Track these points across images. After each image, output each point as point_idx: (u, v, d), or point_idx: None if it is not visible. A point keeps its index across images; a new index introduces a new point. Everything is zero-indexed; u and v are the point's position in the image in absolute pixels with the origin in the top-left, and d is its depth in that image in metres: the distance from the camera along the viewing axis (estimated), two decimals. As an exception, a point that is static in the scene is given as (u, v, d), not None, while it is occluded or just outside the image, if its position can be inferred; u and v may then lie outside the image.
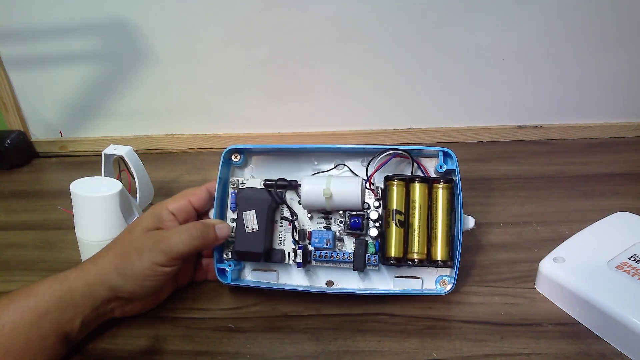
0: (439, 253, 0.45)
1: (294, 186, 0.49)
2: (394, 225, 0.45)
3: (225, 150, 0.49)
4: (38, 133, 0.83)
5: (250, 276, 0.50)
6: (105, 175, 0.60)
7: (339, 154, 0.50)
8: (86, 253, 0.53)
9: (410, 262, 0.46)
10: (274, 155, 0.51)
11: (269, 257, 0.48)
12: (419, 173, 0.48)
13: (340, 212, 0.48)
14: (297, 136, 0.80)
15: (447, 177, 0.47)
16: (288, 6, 0.70)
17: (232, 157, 0.50)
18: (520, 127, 0.78)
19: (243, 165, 0.51)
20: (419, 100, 0.77)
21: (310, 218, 0.49)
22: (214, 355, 0.43)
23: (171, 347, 0.44)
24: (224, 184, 0.50)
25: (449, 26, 0.71)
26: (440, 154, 0.47)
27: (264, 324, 0.46)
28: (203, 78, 0.77)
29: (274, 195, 0.48)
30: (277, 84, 0.77)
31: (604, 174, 0.67)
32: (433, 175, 0.48)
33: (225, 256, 0.49)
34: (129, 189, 0.57)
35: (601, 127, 0.77)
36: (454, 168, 0.46)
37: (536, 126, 0.78)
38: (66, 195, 0.51)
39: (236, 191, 0.50)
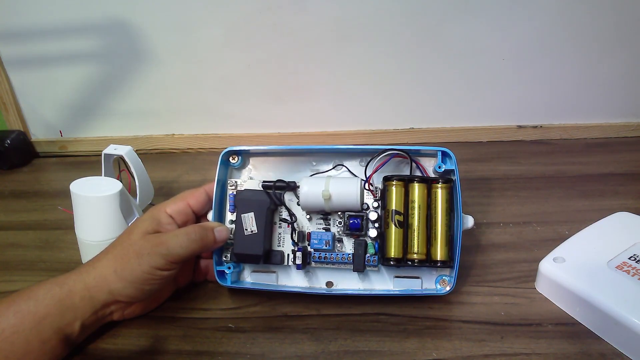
0: (439, 253, 0.45)
1: (293, 187, 0.49)
2: (393, 226, 0.45)
3: (223, 152, 0.49)
4: (38, 133, 0.83)
5: (250, 277, 0.50)
6: (105, 175, 0.60)
7: (338, 155, 0.50)
8: (86, 253, 0.53)
9: (410, 263, 0.46)
10: (272, 156, 0.51)
11: (269, 258, 0.48)
12: (418, 173, 0.48)
13: (339, 213, 0.48)
14: (297, 136, 0.80)
15: (446, 177, 0.47)
16: (288, 6, 0.70)
17: (230, 159, 0.50)
18: (520, 127, 0.78)
19: (241, 166, 0.51)
20: (419, 100, 0.77)
21: (309, 219, 0.49)
22: (214, 355, 0.43)
23: (171, 347, 0.44)
24: (222, 186, 0.50)
25: (449, 26, 0.71)
26: (439, 154, 0.47)
27: (263, 324, 0.46)
28: (203, 78, 0.77)
29: (273, 197, 0.48)
30: (277, 84, 0.77)
31: (604, 174, 0.67)
32: (432, 175, 0.48)
33: (224, 258, 0.49)
34: (129, 189, 0.57)
35: (601, 127, 0.77)
36: (453, 168, 0.46)
37: (536, 126, 0.78)
38: (66, 195, 0.51)
39: (234, 193, 0.50)
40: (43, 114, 0.82)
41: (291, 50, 0.74)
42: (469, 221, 0.47)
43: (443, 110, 0.78)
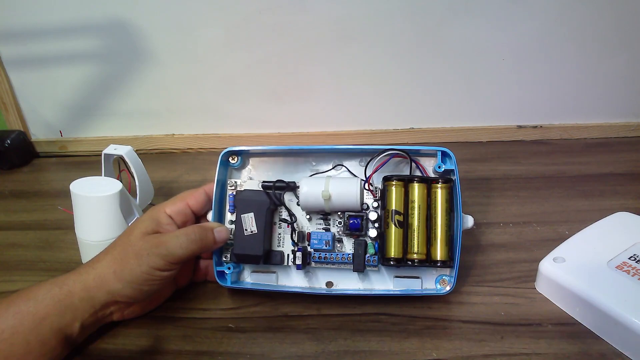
0: (439, 253, 0.45)
1: (292, 187, 0.49)
2: (393, 226, 0.45)
3: (223, 152, 0.49)
4: (38, 133, 0.83)
5: (250, 278, 0.50)
6: (105, 175, 0.60)
7: (337, 155, 0.50)
8: (86, 253, 0.53)
9: (410, 263, 0.46)
10: (272, 156, 0.51)
11: (269, 259, 0.48)
12: (418, 173, 0.48)
13: (339, 213, 0.48)
14: (297, 136, 0.80)
15: (445, 177, 0.47)
16: (288, 6, 0.70)
17: (230, 159, 0.50)
18: (520, 127, 0.78)
19: (241, 167, 0.51)
20: (419, 100, 0.77)
21: (309, 219, 0.49)
22: (214, 355, 0.43)
23: (171, 347, 0.44)
24: (222, 186, 0.50)
25: (449, 26, 0.71)
26: (439, 154, 0.47)
27: (264, 324, 0.46)
28: (203, 78, 0.77)
29: (272, 197, 0.48)
30: (277, 84, 0.77)
31: (604, 174, 0.67)
32: (432, 175, 0.48)
33: (224, 259, 0.49)
34: (129, 189, 0.57)
35: (601, 127, 0.77)
36: (453, 167, 0.46)
37: (536, 126, 0.78)
38: (66, 195, 0.51)
39: (234, 193, 0.50)
40: (43, 114, 0.82)
41: (291, 50, 0.74)
42: (469, 221, 0.47)
43: (443, 110, 0.78)
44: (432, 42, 0.72)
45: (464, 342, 0.43)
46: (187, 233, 0.44)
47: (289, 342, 0.44)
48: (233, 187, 0.50)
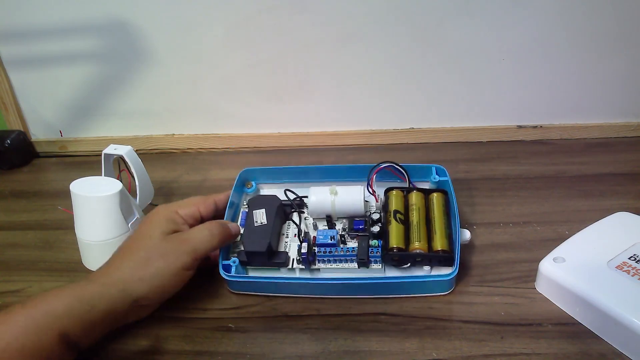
0: (439, 244, 0.48)
1: (302, 200, 0.54)
2: (394, 222, 0.48)
3: (240, 172, 0.56)
4: (38, 133, 0.83)
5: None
6: (105, 175, 0.60)
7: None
8: (86, 253, 0.53)
9: (411, 254, 0.47)
10: (283, 183, 0.58)
11: (274, 256, 0.49)
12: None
13: (344, 220, 0.52)
14: (297, 136, 0.80)
15: (441, 189, 0.53)
16: (288, 6, 0.70)
17: (246, 185, 0.57)
18: (520, 127, 0.78)
19: (255, 192, 0.59)
20: (419, 100, 0.77)
21: (315, 226, 0.53)
22: (214, 355, 0.43)
23: (171, 347, 0.44)
24: (232, 204, 0.54)
25: (448, 26, 0.71)
26: (433, 169, 0.54)
27: (264, 324, 0.46)
28: (203, 78, 0.77)
29: (287, 196, 0.53)
30: (277, 84, 0.77)
31: (604, 174, 0.67)
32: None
33: (231, 253, 0.51)
34: (129, 189, 0.57)
35: (601, 127, 0.77)
36: (446, 178, 0.52)
37: (536, 126, 0.78)
38: (66, 195, 0.51)
39: (246, 211, 0.53)
40: (43, 114, 0.82)
41: (291, 50, 0.74)
42: (466, 234, 0.49)
43: (443, 110, 0.78)
44: (432, 42, 0.72)
45: (464, 342, 0.43)
46: (210, 227, 0.46)
47: (289, 342, 0.44)
48: (246, 206, 0.54)
